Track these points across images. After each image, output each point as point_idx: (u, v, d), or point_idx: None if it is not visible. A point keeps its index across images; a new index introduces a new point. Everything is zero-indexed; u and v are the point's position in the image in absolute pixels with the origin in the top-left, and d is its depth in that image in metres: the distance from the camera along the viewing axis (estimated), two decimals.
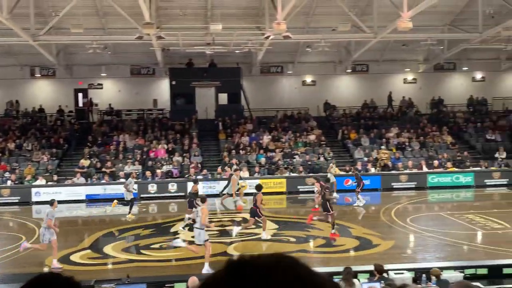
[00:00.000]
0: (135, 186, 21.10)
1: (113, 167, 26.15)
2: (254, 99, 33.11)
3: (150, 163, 26.89)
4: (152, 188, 24.59)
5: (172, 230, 17.54)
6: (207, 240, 12.67)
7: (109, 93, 33.56)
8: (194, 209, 17.60)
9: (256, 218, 16.11)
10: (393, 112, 33.81)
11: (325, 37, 25.07)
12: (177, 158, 27.10)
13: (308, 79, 34.79)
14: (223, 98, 33.15)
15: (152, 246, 15.24)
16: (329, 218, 16.21)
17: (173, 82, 32.04)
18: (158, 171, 25.58)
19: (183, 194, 24.50)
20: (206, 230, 12.84)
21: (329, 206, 16.06)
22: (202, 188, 24.96)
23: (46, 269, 12.52)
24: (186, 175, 25.57)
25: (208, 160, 28.61)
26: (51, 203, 13.79)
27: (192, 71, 31.91)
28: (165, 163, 26.69)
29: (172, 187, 24.87)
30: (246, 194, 22.52)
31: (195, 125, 31.07)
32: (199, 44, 25.85)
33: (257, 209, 15.78)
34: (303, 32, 26.78)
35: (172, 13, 24.93)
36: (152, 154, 27.76)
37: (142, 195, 24.05)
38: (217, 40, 24.49)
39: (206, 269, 12.11)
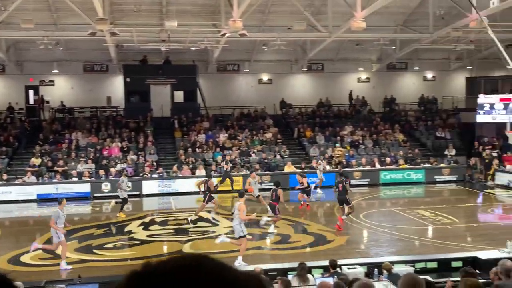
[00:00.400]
0: (130, 184, 20.75)
1: (65, 166, 25.57)
2: (210, 97, 32.99)
3: (104, 161, 26.41)
4: (106, 187, 24.13)
5: (126, 229, 17.32)
6: (244, 235, 12.86)
7: (61, 90, 32.73)
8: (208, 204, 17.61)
9: (272, 213, 16.25)
10: (348, 111, 34.34)
11: (280, 35, 25.25)
12: (131, 156, 26.71)
13: (265, 77, 34.92)
14: (179, 95, 32.84)
15: (105, 246, 15.01)
16: (348, 209, 16.57)
17: (127, 79, 31.48)
18: (112, 169, 25.14)
19: (137, 193, 24.19)
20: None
21: (349, 199, 16.66)
22: (158, 187, 24.78)
23: None
24: (141, 174, 25.28)
25: (163, 158, 28.33)
26: (59, 201, 13.25)
27: (147, 68, 31.45)
28: (119, 162, 26.27)
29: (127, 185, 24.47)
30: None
31: (150, 123, 30.68)
32: (154, 41, 25.54)
33: (276, 205, 15.96)
34: (259, 30, 26.84)
35: (126, 9, 24.56)
36: (105, 153, 27.27)
37: (95, 194, 23.66)
38: (173, 37, 24.26)
39: (239, 262, 12.28)
